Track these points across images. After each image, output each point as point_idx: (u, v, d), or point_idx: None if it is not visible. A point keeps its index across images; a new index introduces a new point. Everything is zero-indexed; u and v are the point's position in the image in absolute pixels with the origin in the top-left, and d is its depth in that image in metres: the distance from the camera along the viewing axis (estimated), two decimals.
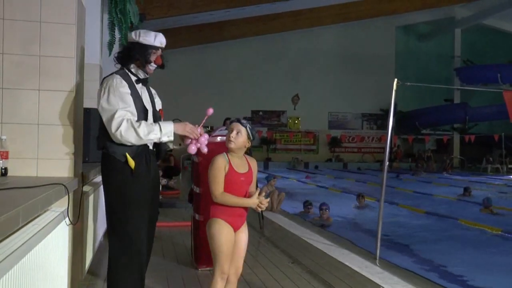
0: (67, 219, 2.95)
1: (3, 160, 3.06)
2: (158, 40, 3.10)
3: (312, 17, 23.66)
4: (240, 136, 3.02)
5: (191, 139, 3.07)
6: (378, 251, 5.29)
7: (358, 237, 7.54)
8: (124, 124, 2.88)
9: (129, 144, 2.94)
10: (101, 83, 3.07)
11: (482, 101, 26.71)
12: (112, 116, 2.90)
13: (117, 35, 7.00)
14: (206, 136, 3.13)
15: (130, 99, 3.00)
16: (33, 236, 2.21)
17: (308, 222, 8.10)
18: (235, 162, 3.03)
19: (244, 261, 4.82)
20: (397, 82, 5.47)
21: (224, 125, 7.64)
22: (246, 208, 3.07)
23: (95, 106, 5.86)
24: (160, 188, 3.39)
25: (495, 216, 10.25)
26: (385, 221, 5.89)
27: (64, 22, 3.28)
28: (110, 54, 6.94)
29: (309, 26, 25.68)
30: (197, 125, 3.09)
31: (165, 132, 2.98)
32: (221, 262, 2.99)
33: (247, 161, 3.12)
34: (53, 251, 2.61)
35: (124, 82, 3.02)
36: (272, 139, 27.30)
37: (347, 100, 28.13)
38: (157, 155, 3.28)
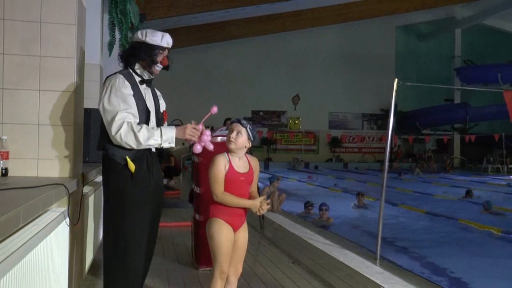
0: (67, 219, 2.95)
1: (4, 160, 3.06)
2: (165, 40, 3.06)
3: (312, 17, 23.66)
4: (240, 137, 3.02)
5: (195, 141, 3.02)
6: (378, 251, 5.29)
7: (359, 237, 7.54)
8: (125, 127, 2.83)
9: (128, 147, 2.90)
10: (104, 82, 3.03)
11: (482, 101, 26.71)
12: (113, 118, 2.85)
13: (117, 35, 7.00)
14: (208, 132, 3.06)
15: (132, 101, 2.94)
16: (33, 236, 2.21)
17: (309, 222, 8.10)
18: (236, 162, 3.03)
19: (245, 261, 4.81)
20: (398, 82, 5.47)
21: (224, 125, 7.64)
22: (246, 208, 3.07)
23: (95, 107, 5.86)
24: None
25: (496, 216, 10.25)
26: (385, 221, 5.89)
27: (64, 23, 3.28)
28: (110, 54, 6.94)
29: (310, 26, 25.67)
30: (195, 123, 3.03)
31: (165, 138, 2.92)
32: (221, 262, 2.99)
33: (248, 160, 3.11)
34: (53, 252, 2.61)
35: (127, 83, 2.97)
36: (273, 139, 27.32)
37: (347, 100, 28.14)
38: (159, 157, 3.21)
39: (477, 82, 24.35)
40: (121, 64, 3.15)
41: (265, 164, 24.80)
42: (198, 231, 4.77)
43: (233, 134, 3.01)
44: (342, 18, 25.20)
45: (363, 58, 27.81)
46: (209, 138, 3.06)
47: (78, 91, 3.37)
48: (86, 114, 4.29)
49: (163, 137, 2.91)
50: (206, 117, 3.06)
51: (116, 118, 2.85)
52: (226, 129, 4.77)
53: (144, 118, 3.00)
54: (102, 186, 4.74)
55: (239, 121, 3.07)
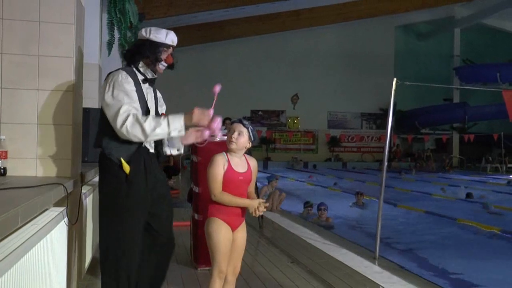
0: (66, 219, 2.95)
1: (2, 160, 3.05)
2: (169, 38, 3.02)
3: (311, 16, 23.65)
4: (242, 137, 3.02)
5: (204, 128, 2.90)
6: (377, 251, 5.30)
7: (358, 236, 7.55)
8: (130, 119, 2.75)
9: (136, 140, 2.82)
10: (106, 78, 2.96)
11: (481, 100, 26.74)
12: (117, 112, 2.77)
13: (116, 35, 7.00)
14: (219, 119, 2.94)
15: (135, 96, 2.89)
16: (32, 236, 2.20)
17: (308, 222, 8.09)
18: (234, 161, 3.04)
19: (244, 261, 4.82)
20: (396, 82, 5.47)
21: (223, 124, 7.64)
22: (244, 208, 3.07)
23: (94, 106, 5.87)
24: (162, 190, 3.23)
25: (495, 216, 10.27)
26: (384, 221, 5.89)
27: (63, 22, 3.28)
28: (109, 54, 6.94)
29: (309, 26, 25.68)
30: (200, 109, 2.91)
31: (174, 127, 2.82)
32: (219, 261, 2.99)
33: (247, 160, 3.12)
34: (52, 251, 2.61)
35: (130, 79, 2.91)
36: (272, 139, 27.32)
37: (346, 99, 28.15)
38: (158, 157, 3.13)
39: (476, 82, 24.36)
40: (124, 63, 3.12)
41: (264, 164, 24.79)
42: (197, 231, 4.77)
43: (235, 135, 3.01)
44: (342, 18, 25.21)
45: (362, 58, 27.81)
46: (220, 125, 2.94)
47: (77, 91, 3.37)
48: (85, 114, 4.29)
49: (171, 126, 2.82)
50: (214, 101, 2.96)
51: (121, 111, 2.77)
52: (225, 129, 4.77)
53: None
54: (98, 187, 4.75)
55: (240, 122, 3.06)
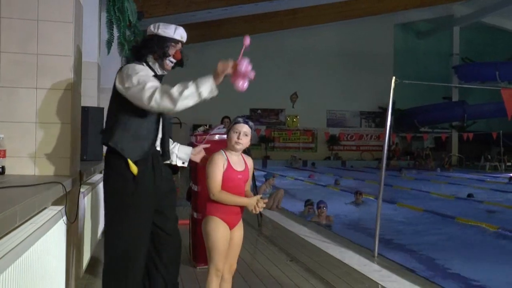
0: (64, 217, 2.95)
1: (1, 158, 3.05)
2: (178, 33, 2.98)
3: (310, 15, 23.61)
4: (247, 138, 3.04)
5: (234, 75, 2.67)
6: (376, 249, 5.31)
7: (356, 235, 7.56)
8: (157, 92, 2.62)
9: (166, 111, 2.68)
10: (119, 73, 2.87)
11: (480, 99, 26.74)
12: (143, 90, 2.65)
13: (115, 33, 7.00)
14: (246, 61, 2.66)
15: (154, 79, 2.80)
16: (30, 234, 2.20)
17: (308, 221, 8.08)
18: (233, 160, 3.04)
19: (242, 259, 4.82)
20: (395, 80, 5.47)
21: (222, 123, 7.64)
22: (242, 207, 3.07)
23: (93, 105, 5.86)
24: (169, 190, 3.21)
25: (493, 213, 10.28)
26: (383, 219, 5.90)
27: (62, 21, 3.28)
28: (108, 52, 6.95)
29: (308, 24, 25.64)
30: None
31: (204, 89, 2.62)
32: (216, 259, 2.99)
33: (244, 159, 3.13)
34: (50, 250, 2.61)
35: (145, 67, 2.86)
36: (271, 137, 27.32)
37: (345, 98, 28.15)
38: (162, 156, 3.08)
39: (475, 80, 24.36)
40: (124, 62, 3.10)
41: (263, 162, 24.80)
42: (196, 229, 4.76)
43: (241, 136, 3.01)
44: (341, 16, 25.17)
45: (361, 56, 27.80)
46: (249, 66, 2.65)
47: (75, 89, 3.36)
48: (83, 113, 4.29)
49: (200, 87, 2.62)
50: (242, 50, 2.74)
51: (146, 88, 2.66)
52: (224, 127, 4.78)
53: (155, 114, 2.93)
54: (100, 184, 4.75)
55: (246, 122, 3.06)
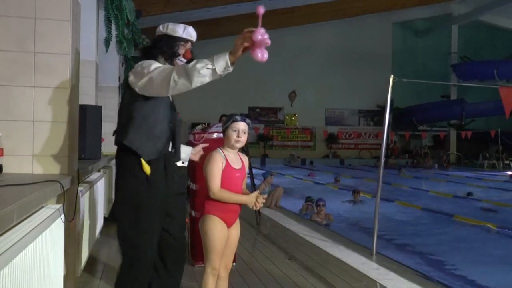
0: (62, 216, 2.94)
1: None
2: (187, 32, 2.96)
3: (308, 13, 23.61)
4: (245, 136, 3.05)
5: (253, 46, 2.59)
6: (374, 247, 5.31)
7: (355, 233, 7.56)
8: (174, 72, 2.55)
9: (183, 89, 2.58)
10: (132, 71, 2.83)
11: (478, 97, 26.76)
12: (160, 73, 2.61)
13: (113, 31, 6.99)
14: (262, 30, 2.58)
15: None
16: (28, 233, 2.20)
17: (307, 220, 8.07)
18: (231, 158, 3.05)
19: (241, 257, 4.82)
20: (393, 79, 5.48)
21: (220, 121, 7.64)
22: (240, 205, 3.08)
23: (91, 103, 5.85)
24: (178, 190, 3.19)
25: (491, 212, 10.29)
26: (381, 217, 5.90)
27: (59, 19, 3.26)
28: (107, 50, 6.95)
29: (306, 23, 25.64)
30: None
31: (220, 65, 2.58)
32: (213, 258, 2.99)
33: (240, 156, 3.14)
34: (48, 249, 2.60)
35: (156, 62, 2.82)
36: (269, 136, 27.35)
37: (344, 96, 28.17)
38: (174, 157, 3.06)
39: (473, 79, 24.39)
40: (123, 60, 3.09)
41: (262, 161, 24.81)
42: (194, 228, 4.77)
43: (241, 134, 3.02)
44: (339, 14, 25.17)
45: (360, 55, 27.81)
46: (265, 34, 2.56)
47: (73, 88, 3.35)
48: (81, 111, 4.27)
49: (216, 64, 2.57)
50: (260, 20, 2.64)
51: (161, 70, 2.64)
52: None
53: (168, 113, 2.92)
54: (97, 183, 4.74)
55: (244, 120, 3.06)
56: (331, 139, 28.04)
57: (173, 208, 3.09)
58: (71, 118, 3.33)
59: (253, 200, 3.00)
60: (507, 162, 24.46)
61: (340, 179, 16.01)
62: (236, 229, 3.13)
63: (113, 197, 6.66)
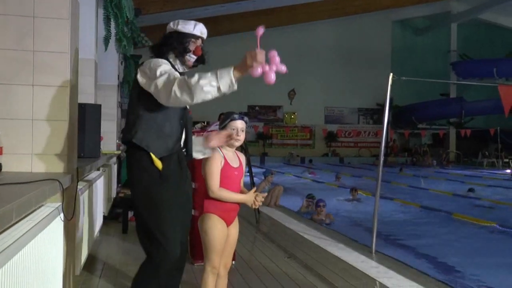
0: (62, 214, 2.94)
1: None
2: (198, 29, 2.93)
3: (308, 11, 23.60)
4: (243, 134, 3.07)
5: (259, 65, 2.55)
6: (373, 245, 5.31)
7: (354, 231, 7.56)
8: (177, 86, 2.52)
9: (185, 104, 2.60)
10: (140, 68, 2.80)
11: (478, 95, 26.79)
12: (165, 84, 2.58)
13: (113, 29, 6.98)
14: (274, 53, 2.61)
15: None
16: (27, 232, 2.20)
17: (306, 219, 8.06)
18: (229, 157, 3.06)
19: (240, 256, 4.83)
20: (393, 77, 5.47)
21: (219, 120, 7.63)
22: (239, 203, 3.08)
23: (90, 101, 5.84)
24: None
25: (490, 210, 10.31)
26: (381, 216, 5.91)
27: (58, 17, 3.26)
28: (106, 49, 6.93)
29: (305, 21, 25.62)
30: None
31: (224, 83, 2.55)
32: (213, 257, 3.00)
33: (237, 155, 3.14)
34: (47, 247, 2.60)
35: (165, 61, 2.79)
36: (268, 134, 27.35)
37: (343, 94, 28.17)
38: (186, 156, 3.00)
39: (472, 77, 24.39)
40: (122, 59, 3.07)
41: (261, 159, 24.82)
42: (193, 227, 4.76)
43: (239, 132, 3.02)
44: (338, 13, 25.17)
45: (359, 53, 27.81)
46: (277, 57, 2.58)
47: (72, 86, 3.35)
48: (80, 109, 4.26)
49: (220, 81, 2.52)
50: (259, 41, 2.67)
51: (166, 81, 2.59)
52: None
53: (178, 110, 2.88)
54: (97, 181, 4.74)
55: (242, 118, 3.06)
56: (331, 137, 28.05)
57: (187, 211, 3.00)
58: (70, 116, 3.32)
59: (252, 198, 3.00)
60: (506, 160, 24.47)
61: (341, 176, 16.01)
62: (235, 227, 3.13)
63: (115, 195, 6.66)
